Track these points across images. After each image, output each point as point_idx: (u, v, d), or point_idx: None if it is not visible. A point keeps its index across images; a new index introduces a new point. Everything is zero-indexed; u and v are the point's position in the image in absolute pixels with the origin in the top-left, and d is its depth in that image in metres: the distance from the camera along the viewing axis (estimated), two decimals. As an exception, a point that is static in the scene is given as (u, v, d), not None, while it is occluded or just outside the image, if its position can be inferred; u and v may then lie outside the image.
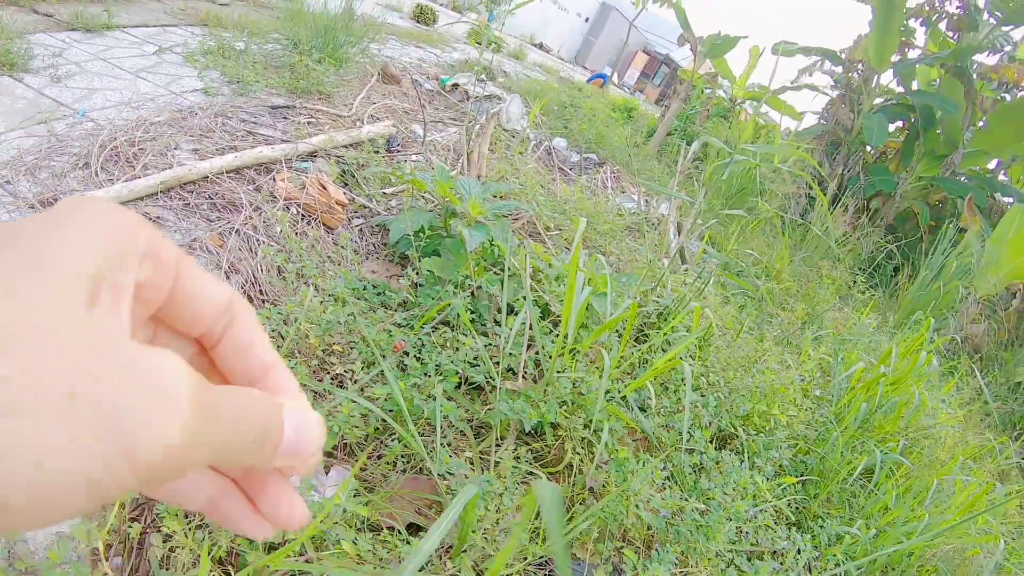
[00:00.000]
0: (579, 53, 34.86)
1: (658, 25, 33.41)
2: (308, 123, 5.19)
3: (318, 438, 0.32)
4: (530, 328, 2.43)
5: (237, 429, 0.27)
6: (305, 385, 2.23)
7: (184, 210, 3.48)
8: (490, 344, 2.50)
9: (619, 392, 2.37)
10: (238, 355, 0.33)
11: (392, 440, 2.09)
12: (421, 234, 3.28)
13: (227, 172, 3.92)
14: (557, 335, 2.26)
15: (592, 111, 9.70)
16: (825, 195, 8.36)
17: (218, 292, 0.32)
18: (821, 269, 6.18)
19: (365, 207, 4.29)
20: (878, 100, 9.45)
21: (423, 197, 4.27)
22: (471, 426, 2.24)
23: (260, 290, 3.13)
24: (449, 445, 2.07)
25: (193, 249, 3.22)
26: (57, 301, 0.22)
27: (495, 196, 3.78)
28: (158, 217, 3.32)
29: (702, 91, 11.29)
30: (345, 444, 2.09)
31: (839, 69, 10.11)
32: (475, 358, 2.32)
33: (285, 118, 5.14)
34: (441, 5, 27.67)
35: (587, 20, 35.98)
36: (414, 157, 5.47)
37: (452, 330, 2.47)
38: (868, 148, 9.46)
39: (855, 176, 9.16)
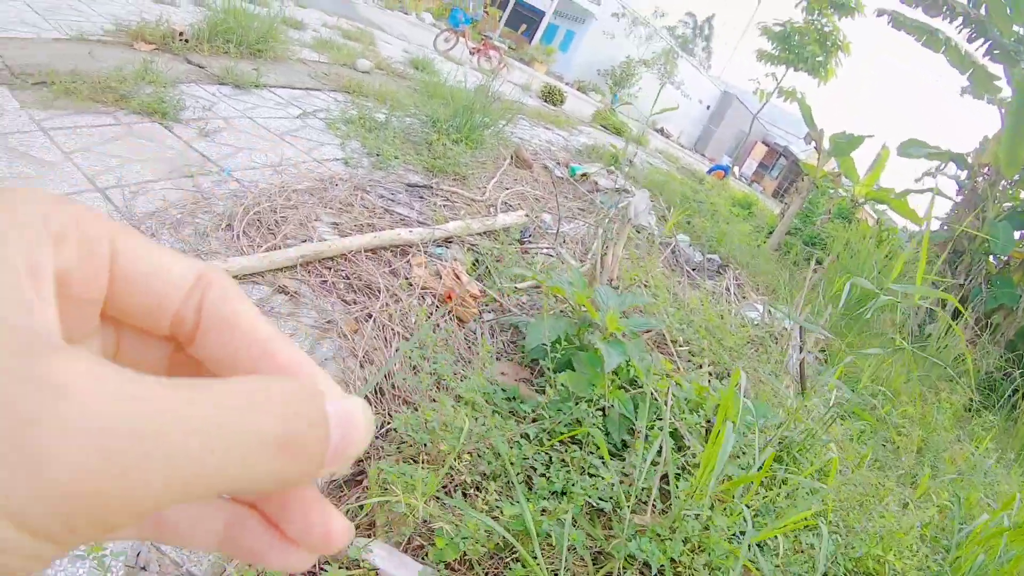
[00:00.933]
0: (699, 140, 35.65)
1: (778, 116, 33.84)
2: (443, 205, 5.31)
3: (367, 432, 0.24)
4: (664, 459, 2.50)
5: (241, 437, 0.19)
6: (437, 497, 2.23)
7: (321, 287, 3.54)
8: (622, 472, 2.54)
9: (740, 531, 2.40)
10: (220, 340, 0.26)
11: (514, 561, 2.14)
12: (557, 345, 3.30)
13: (365, 251, 4.02)
14: (687, 465, 2.42)
15: (714, 206, 9.91)
16: (945, 309, 8.13)
17: (180, 268, 0.26)
18: (939, 391, 5.93)
19: (496, 301, 4.30)
20: (1006, 205, 9.25)
21: (555, 296, 4.26)
22: (590, 551, 2.30)
23: (393, 384, 3.11)
24: (568, 571, 2.13)
25: (328, 332, 3.25)
26: None
27: (631, 308, 3.82)
28: (296, 292, 3.38)
29: (824, 190, 11.34)
30: (467, 559, 2.11)
31: (964, 174, 10.04)
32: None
33: (421, 198, 5.28)
34: (567, 84, 28.93)
35: (708, 107, 36.99)
36: (545, 248, 5.50)
37: (580, 447, 2.56)
38: (991, 258, 9.26)
39: (977, 287, 8.91)
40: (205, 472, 0.19)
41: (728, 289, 6.88)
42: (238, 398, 0.20)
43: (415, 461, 2.37)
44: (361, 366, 3.13)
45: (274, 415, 0.21)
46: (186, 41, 6.29)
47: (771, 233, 10.48)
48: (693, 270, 7.05)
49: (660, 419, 2.69)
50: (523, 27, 32.75)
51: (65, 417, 0.17)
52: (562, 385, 2.89)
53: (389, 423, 2.68)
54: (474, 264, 4.61)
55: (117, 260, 0.25)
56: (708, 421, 3.00)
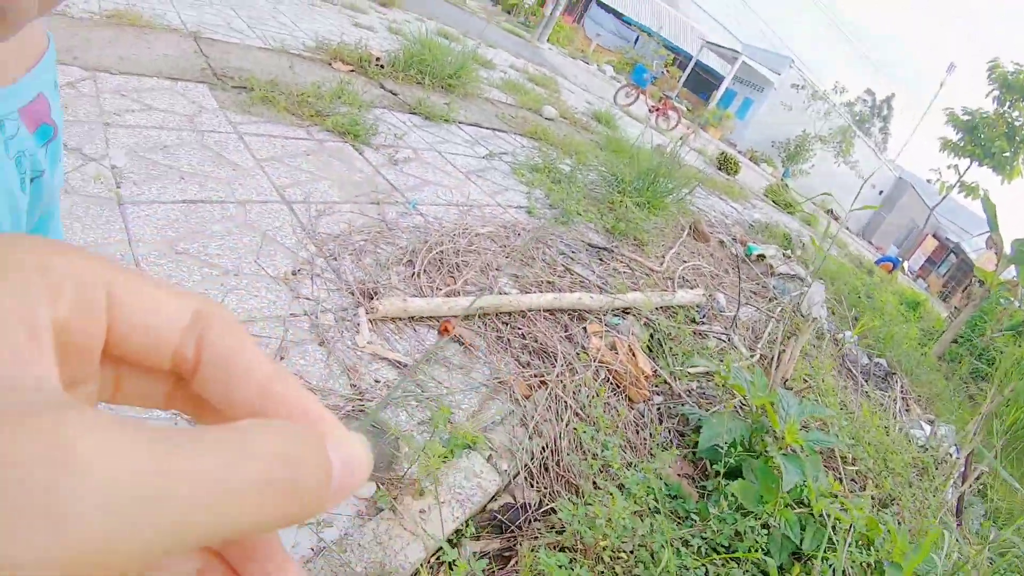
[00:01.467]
0: (867, 226, 34.59)
1: (953, 210, 32.36)
2: (622, 271, 5.17)
3: (368, 470, 0.25)
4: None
5: (246, 481, 0.20)
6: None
7: (496, 342, 3.40)
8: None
9: None
10: (223, 382, 0.25)
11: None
12: (732, 449, 3.28)
13: (543, 310, 3.91)
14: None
15: (882, 304, 9.55)
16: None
17: (175, 307, 0.25)
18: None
19: (667, 383, 4.14)
20: None
21: (724, 386, 4.10)
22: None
23: (558, 461, 2.95)
24: None
25: (498, 393, 3.10)
26: None
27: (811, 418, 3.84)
28: (471, 343, 3.26)
29: (999, 299, 10.63)
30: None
31: None
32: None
33: (601, 260, 5.14)
34: (740, 152, 28.60)
35: (881, 193, 35.80)
36: (717, 331, 5.26)
37: (739, 565, 2.56)
38: None
39: None
40: (211, 522, 0.19)
41: (895, 401, 6.47)
42: (234, 447, 0.20)
43: (571, 549, 2.39)
44: (530, 438, 2.96)
45: (271, 461, 0.21)
46: (381, 67, 6.49)
47: (937, 338, 10.03)
48: (860, 373, 6.69)
49: (827, 548, 2.71)
50: (702, 92, 32.87)
51: (78, 483, 0.17)
52: (732, 495, 2.91)
53: (549, 502, 2.62)
54: (649, 339, 4.47)
55: (114, 304, 0.24)
56: (877, 562, 2.90)
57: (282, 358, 2.58)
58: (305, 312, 2.86)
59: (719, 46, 34.98)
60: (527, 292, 4.03)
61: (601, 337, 4.02)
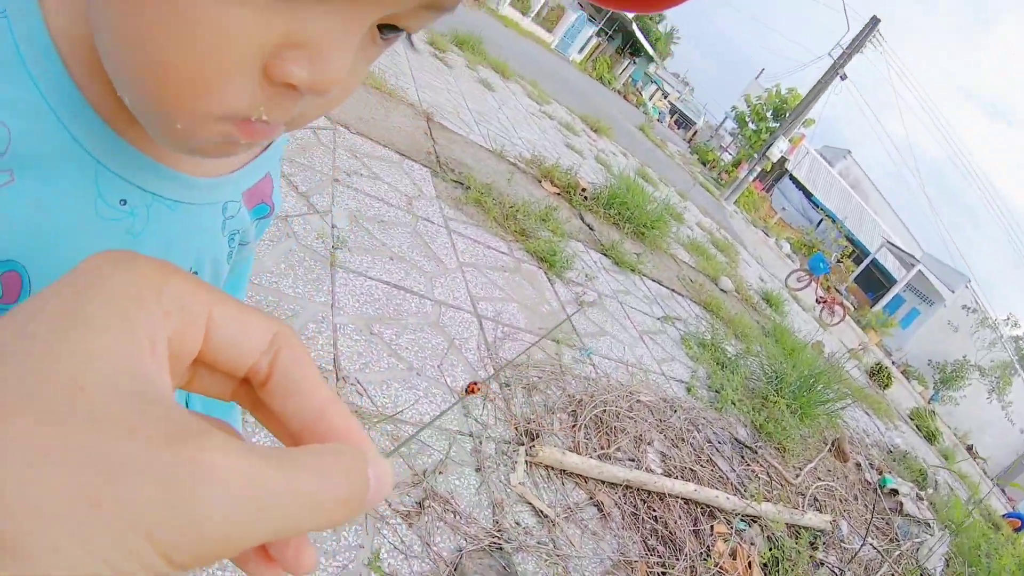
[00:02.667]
0: (1007, 470, 32.45)
1: None
2: (760, 475, 5.09)
3: (392, 484, 0.32)
4: None
5: (324, 495, 0.28)
6: None
7: (630, 517, 3.40)
8: None
9: None
10: (287, 396, 0.32)
11: None
12: None
13: (681, 497, 3.92)
14: None
15: (999, 568, 8.71)
16: None
17: (259, 329, 0.32)
18: None
19: None
20: None
21: None
22: None
23: None
24: None
25: (618, 570, 3.09)
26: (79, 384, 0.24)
27: None
28: (608, 512, 3.28)
29: None
30: None
31: None
32: None
33: (742, 457, 5.08)
34: (893, 362, 27.51)
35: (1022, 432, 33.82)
36: (833, 561, 5.05)
37: None
38: None
39: None
40: (296, 523, 0.27)
41: None
42: (319, 469, 0.28)
43: None
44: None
45: (342, 480, 0.28)
46: (585, 198, 6.76)
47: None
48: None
49: None
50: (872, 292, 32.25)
51: (211, 489, 0.24)
52: None
53: None
54: (769, 551, 4.40)
55: (211, 323, 0.30)
56: None
57: (440, 472, 2.66)
58: (471, 433, 2.96)
59: (899, 248, 34.53)
60: (671, 475, 4.05)
61: (726, 540, 4.01)
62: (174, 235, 0.54)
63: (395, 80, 6.77)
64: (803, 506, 5.32)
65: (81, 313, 0.27)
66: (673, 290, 6.88)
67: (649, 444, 4.06)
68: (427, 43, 10.18)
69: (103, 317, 0.27)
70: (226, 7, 0.34)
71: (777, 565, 4.30)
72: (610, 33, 47.69)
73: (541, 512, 2.92)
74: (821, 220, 37.45)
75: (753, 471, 5.05)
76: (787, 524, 4.88)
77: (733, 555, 3.93)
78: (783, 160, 34.30)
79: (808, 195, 38.17)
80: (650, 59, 57.21)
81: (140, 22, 0.37)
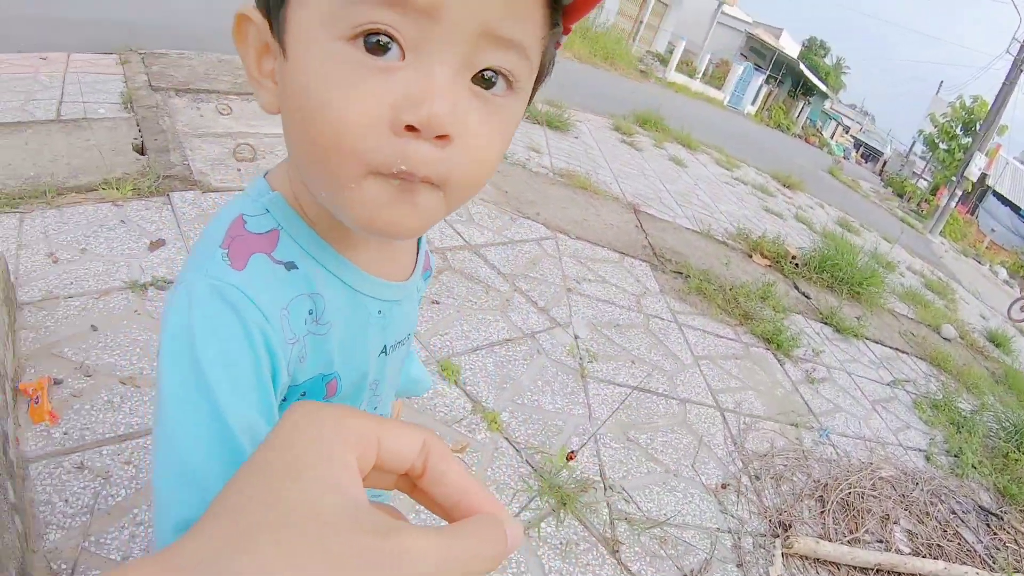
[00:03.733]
0: None
1: None
2: (1008, 544, 4.76)
3: (522, 540, 0.44)
4: None
5: (481, 554, 0.39)
6: None
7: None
8: None
9: None
10: (438, 484, 0.44)
11: None
12: None
13: None
14: None
15: None
16: None
17: (412, 440, 0.43)
18: None
19: None
20: None
21: None
22: None
23: None
24: None
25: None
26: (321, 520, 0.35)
27: None
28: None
29: None
30: None
31: None
32: None
33: (988, 525, 4.80)
34: None
35: None
36: None
37: None
38: None
39: None
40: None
41: None
42: (477, 536, 0.40)
43: None
44: None
45: (494, 544, 0.40)
46: (796, 266, 6.73)
47: None
48: None
49: None
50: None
51: (415, 563, 0.35)
52: None
53: None
54: None
55: (380, 444, 0.41)
56: None
57: (705, 571, 2.79)
58: (729, 529, 3.07)
59: None
60: (918, 553, 3.92)
61: None
62: (400, 318, 0.84)
63: (596, 175, 7.09)
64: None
65: (302, 457, 0.38)
66: (897, 349, 6.66)
67: (895, 523, 3.98)
68: (613, 129, 10.51)
69: (317, 457, 0.38)
70: (348, 90, 0.51)
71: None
72: (779, 78, 46.68)
73: (803, 607, 2.97)
74: (1035, 236, 34.36)
75: (1000, 540, 4.77)
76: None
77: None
78: (983, 177, 31.81)
79: (1016, 210, 35.03)
80: (824, 96, 55.39)
81: (298, 124, 0.56)
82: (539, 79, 0.63)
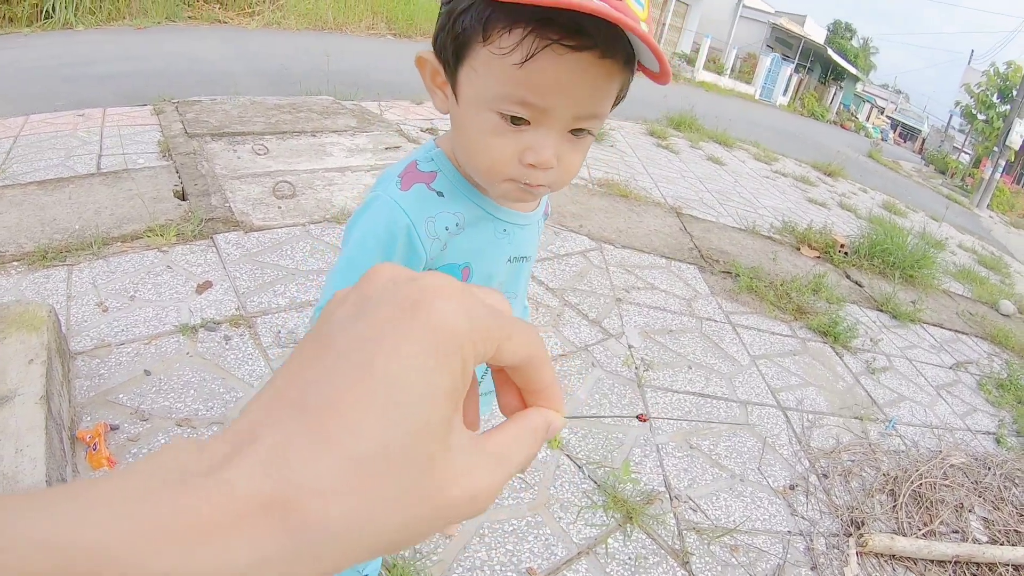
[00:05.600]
0: None
1: None
2: None
3: (559, 427, 0.45)
4: None
5: (527, 460, 0.42)
6: None
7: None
8: None
9: None
10: (526, 376, 0.43)
11: None
12: None
13: (1011, 566, 3.62)
14: None
15: None
16: None
17: (523, 348, 0.41)
18: None
19: None
20: None
21: None
22: None
23: None
24: None
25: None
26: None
27: None
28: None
29: None
30: None
31: None
32: None
33: None
34: None
35: None
36: None
37: None
38: None
39: None
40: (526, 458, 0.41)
41: None
42: (523, 441, 0.42)
43: None
44: None
45: (538, 441, 0.43)
46: (846, 254, 6.57)
47: None
48: None
49: None
50: None
51: (459, 492, 0.35)
52: None
53: None
54: None
55: (499, 349, 0.39)
56: None
57: (780, 577, 2.70)
58: (800, 532, 2.98)
59: None
60: (996, 541, 3.77)
61: None
62: (522, 240, 1.20)
63: (635, 182, 7.01)
64: None
65: (402, 343, 0.33)
66: (956, 330, 6.45)
67: (970, 511, 3.83)
68: (648, 134, 10.41)
69: (419, 347, 0.34)
70: (496, 139, 0.91)
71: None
72: (808, 65, 46.04)
73: (886, 604, 2.86)
74: (1087, 200, 33.32)
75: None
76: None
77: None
78: (1026, 143, 31.05)
79: (1065, 174, 34.14)
80: (855, 79, 54.48)
81: (466, 145, 0.98)
82: (615, 104, 0.99)
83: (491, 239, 1.14)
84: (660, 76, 0.90)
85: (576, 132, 0.92)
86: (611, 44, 0.81)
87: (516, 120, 0.88)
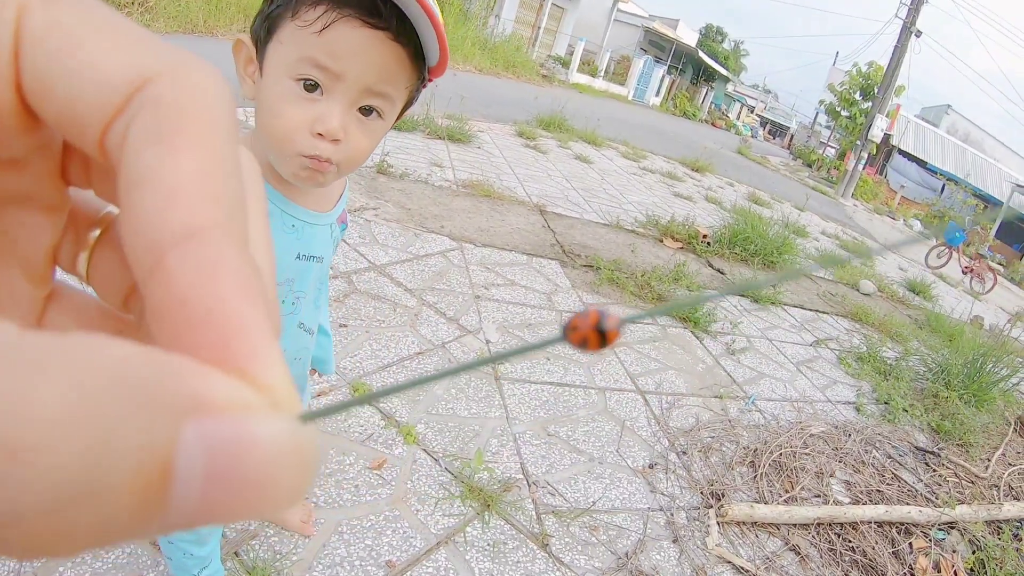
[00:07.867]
0: None
1: None
2: (949, 478, 4.91)
3: (290, 474, 0.16)
4: None
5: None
6: None
7: (829, 554, 3.38)
8: None
9: None
10: (130, 199, 0.17)
11: None
12: None
13: (873, 523, 3.86)
14: None
15: None
16: None
17: (117, 64, 0.17)
18: None
19: None
20: None
21: None
22: None
23: None
24: None
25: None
26: None
27: None
28: (806, 555, 3.29)
29: None
30: None
31: None
32: None
33: (926, 463, 4.93)
34: None
35: None
36: None
37: None
38: None
39: None
40: None
41: None
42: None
43: None
44: None
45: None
46: (708, 244, 6.83)
47: None
48: None
49: None
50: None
51: None
52: None
53: None
54: (974, 559, 4.21)
55: (24, 43, 0.17)
56: None
57: (641, 551, 2.78)
58: (660, 508, 3.07)
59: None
60: (858, 501, 3.99)
61: (927, 554, 3.90)
62: (312, 238, 1.23)
63: (500, 182, 7.09)
64: (999, 498, 5.10)
65: None
66: (817, 310, 6.81)
67: (831, 476, 4.04)
68: (517, 135, 10.55)
69: None
70: (290, 106, 0.98)
71: (984, 567, 4.14)
72: (680, 67, 47.70)
73: (743, 568, 2.97)
74: (943, 185, 35.70)
75: (940, 476, 4.90)
76: (986, 522, 4.69)
77: (937, 568, 3.83)
78: (887, 137, 33.00)
79: (922, 164, 36.52)
80: (725, 79, 56.86)
81: (264, 120, 1.01)
82: (405, 108, 1.11)
83: (278, 233, 1.18)
84: (436, 69, 1.04)
85: (365, 112, 1.02)
86: (402, 31, 0.95)
87: (310, 88, 0.97)
